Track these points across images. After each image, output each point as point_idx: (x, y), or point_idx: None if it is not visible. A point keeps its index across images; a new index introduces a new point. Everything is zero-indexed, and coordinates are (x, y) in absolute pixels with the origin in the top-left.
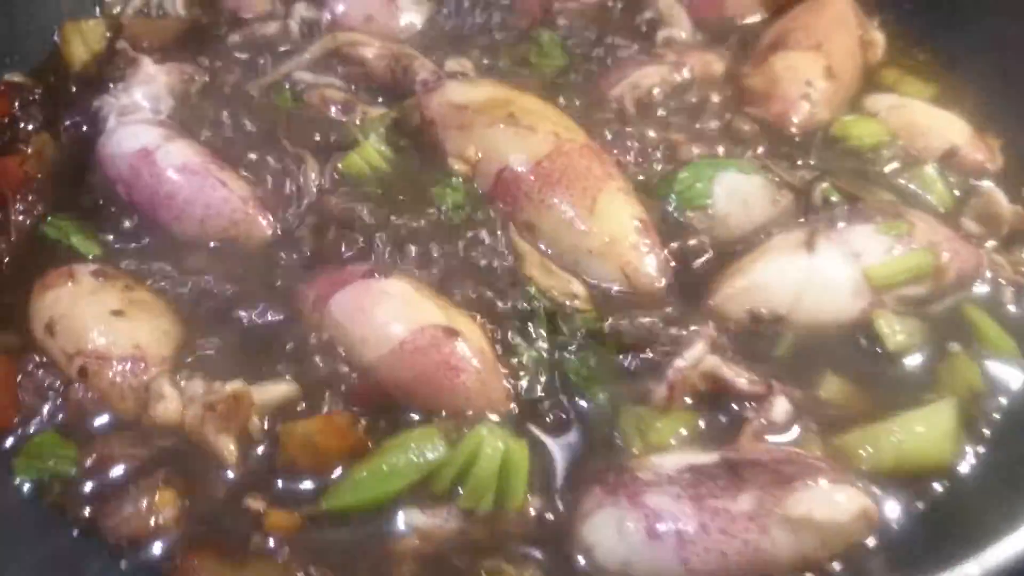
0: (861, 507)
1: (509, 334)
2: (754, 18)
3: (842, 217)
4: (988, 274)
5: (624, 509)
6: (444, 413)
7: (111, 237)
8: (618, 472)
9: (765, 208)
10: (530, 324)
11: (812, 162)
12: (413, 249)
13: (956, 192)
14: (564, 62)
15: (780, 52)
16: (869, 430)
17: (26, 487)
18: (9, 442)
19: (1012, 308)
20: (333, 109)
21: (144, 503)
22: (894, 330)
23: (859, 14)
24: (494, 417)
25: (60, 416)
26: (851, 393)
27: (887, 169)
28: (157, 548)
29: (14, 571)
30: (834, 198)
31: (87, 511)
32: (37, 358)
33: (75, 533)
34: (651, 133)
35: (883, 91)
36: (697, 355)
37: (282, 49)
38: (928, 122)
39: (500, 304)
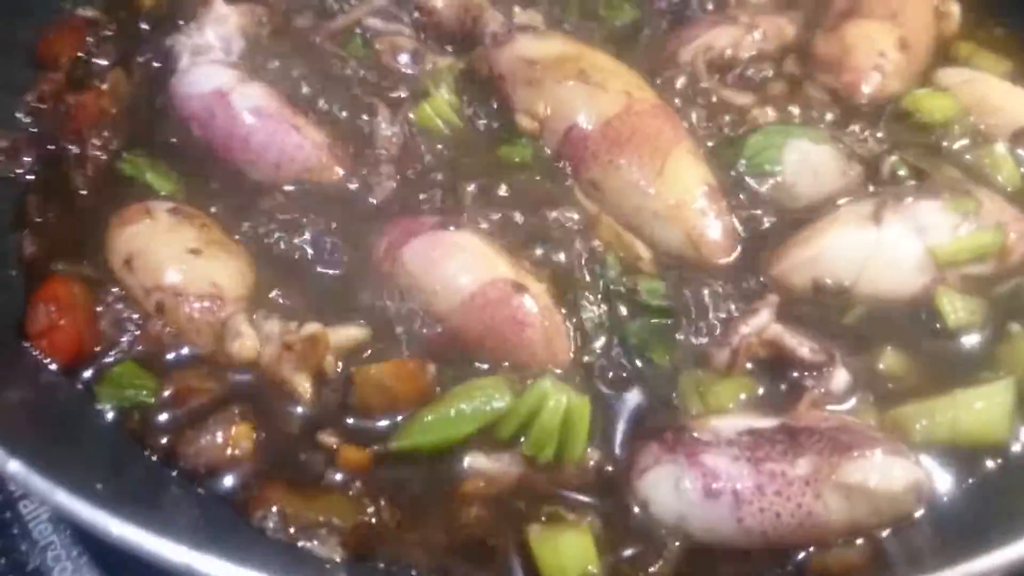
0: (914, 478)
1: (573, 293)
2: None
3: (910, 192)
4: None
5: (682, 467)
6: (508, 365)
7: (184, 175)
8: (676, 431)
9: (835, 179)
10: (594, 285)
11: (880, 135)
12: (482, 201)
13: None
14: (634, 16)
15: (854, 20)
16: (925, 404)
17: (108, 414)
18: (90, 371)
19: None
20: (402, 58)
21: (221, 435)
22: (955, 307)
23: None
24: (557, 372)
25: (138, 348)
26: (909, 367)
27: (956, 145)
28: (231, 479)
29: (98, 493)
30: (902, 172)
31: (165, 440)
32: (115, 291)
33: (153, 459)
34: (722, 96)
35: (956, 64)
36: (762, 323)
37: None
38: (1001, 99)
39: (564, 263)
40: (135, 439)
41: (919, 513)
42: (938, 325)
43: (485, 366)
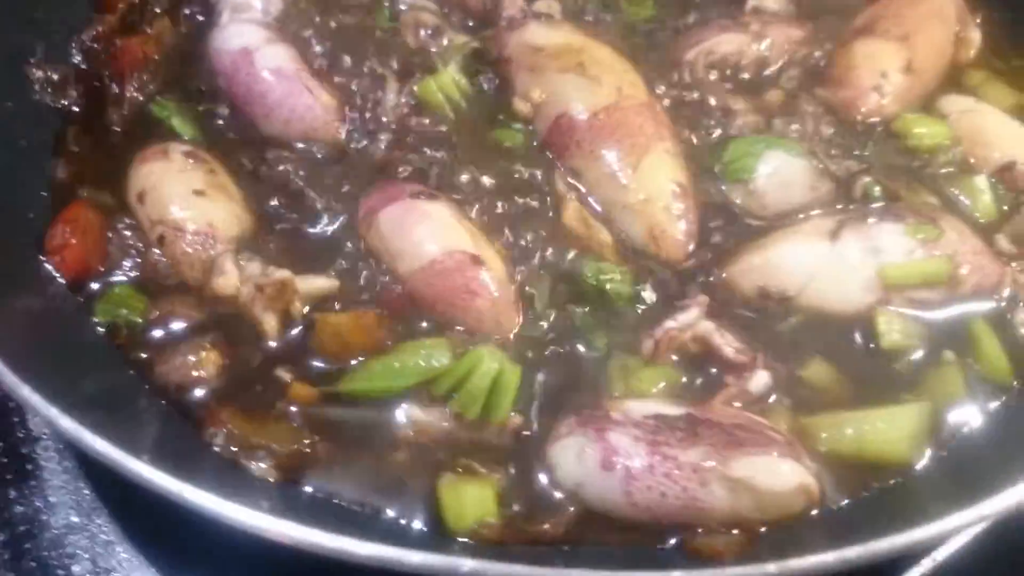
0: (801, 482)
1: (531, 272)
2: None
3: (875, 213)
4: (1007, 292)
5: (589, 439)
6: (458, 329)
7: (207, 122)
8: (593, 408)
9: (803, 193)
10: (552, 266)
11: (866, 153)
12: (465, 179)
13: (1005, 207)
14: (651, 13)
15: (864, 38)
16: (837, 416)
17: (100, 329)
18: (94, 287)
19: (1020, 330)
20: (423, 33)
21: (192, 357)
22: (891, 328)
23: (962, 8)
24: (499, 342)
25: (138, 273)
26: (833, 380)
27: (940, 172)
28: (195, 396)
29: (78, 392)
30: (875, 193)
31: (144, 355)
32: (127, 220)
33: (131, 372)
34: (714, 100)
35: (964, 92)
36: (688, 320)
37: None
38: (996, 133)
39: (531, 244)
40: (119, 352)
41: (812, 514)
42: (872, 344)
43: (435, 328)
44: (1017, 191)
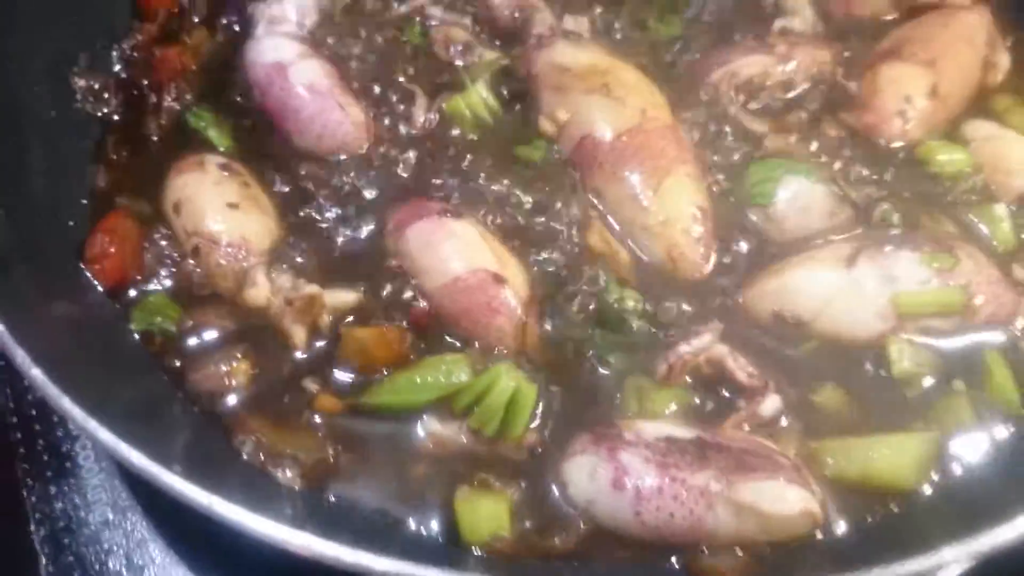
0: (806, 508)
1: (552, 291)
2: (885, 17)
3: (892, 241)
4: (1021, 323)
5: (601, 458)
6: (478, 346)
7: (242, 133)
8: (607, 427)
9: (822, 218)
10: (574, 289)
11: (887, 179)
12: (491, 196)
13: (1023, 237)
14: (679, 32)
15: (890, 62)
16: (845, 442)
17: (136, 337)
18: (131, 295)
19: None
20: (453, 50)
21: (223, 367)
22: (903, 357)
23: (992, 31)
24: (519, 360)
25: (173, 283)
26: (844, 405)
27: (961, 200)
28: (225, 404)
29: (115, 401)
30: (893, 220)
31: (178, 363)
32: (163, 230)
33: (165, 379)
34: (738, 123)
35: (990, 117)
36: (702, 345)
37: None
38: (1019, 160)
39: (553, 263)
40: (153, 360)
41: (817, 537)
42: (883, 372)
43: (458, 344)
44: None
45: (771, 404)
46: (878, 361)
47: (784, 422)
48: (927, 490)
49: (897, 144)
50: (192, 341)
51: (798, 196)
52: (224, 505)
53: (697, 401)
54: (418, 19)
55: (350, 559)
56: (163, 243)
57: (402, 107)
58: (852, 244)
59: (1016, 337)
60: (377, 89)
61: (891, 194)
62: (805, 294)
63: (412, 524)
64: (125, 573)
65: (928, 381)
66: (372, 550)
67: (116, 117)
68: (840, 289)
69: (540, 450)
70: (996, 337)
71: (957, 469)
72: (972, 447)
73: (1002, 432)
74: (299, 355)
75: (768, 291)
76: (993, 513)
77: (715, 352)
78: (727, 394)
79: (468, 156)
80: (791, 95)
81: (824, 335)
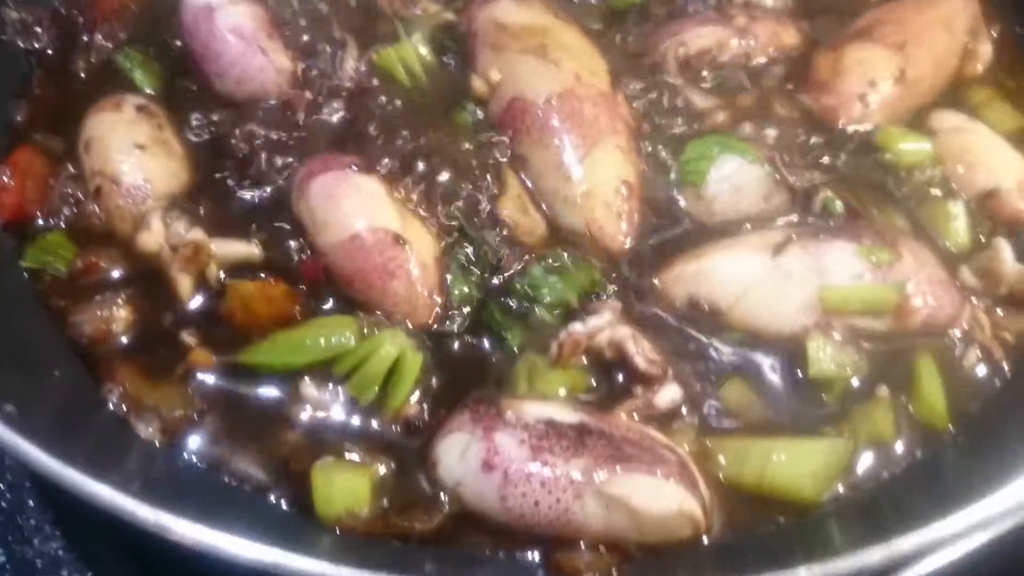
0: (683, 508)
1: (459, 256)
2: None
3: (829, 230)
4: (961, 330)
5: (476, 437)
6: (373, 311)
7: (169, 77)
8: (489, 405)
9: (755, 202)
10: (480, 253)
11: (837, 164)
12: (409, 153)
13: (981, 238)
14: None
15: (859, 42)
16: (743, 443)
17: (25, 273)
18: (29, 231)
19: (968, 373)
20: (397, 2)
21: (105, 312)
22: (823, 356)
23: (976, 18)
24: (410, 326)
25: (73, 222)
26: (750, 403)
27: (915, 194)
28: (101, 350)
29: None
30: (836, 209)
31: (62, 303)
32: (71, 169)
33: (46, 319)
34: (682, 95)
35: (962, 110)
36: (597, 325)
37: None
38: (985, 156)
39: (463, 227)
40: (38, 298)
41: (703, 543)
42: (800, 372)
43: (348, 305)
44: (996, 221)
45: (667, 394)
46: (796, 359)
47: (682, 415)
48: (829, 504)
49: (853, 128)
50: (80, 282)
51: (731, 176)
52: (73, 475)
53: (593, 383)
54: None
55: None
56: (70, 182)
57: (334, 57)
58: (784, 231)
59: (953, 344)
60: (308, 37)
61: (839, 180)
62: (724, 280)
63: (271, 495)
64: None
65: (848, 385)
66: (203, 521)
67: (49, 52)
68: (762, 277)
69: (418, 424)
70: (931, 343)
71: (865, 483)
72: (886, 461)
73: (922, 447)
74: (184, 307)
75: (685, 274)
76: (895, 533)
77: (617, 334)
78: (624, 380)
79: (394, 113)
80: (746, 71)
81: (741, 325)
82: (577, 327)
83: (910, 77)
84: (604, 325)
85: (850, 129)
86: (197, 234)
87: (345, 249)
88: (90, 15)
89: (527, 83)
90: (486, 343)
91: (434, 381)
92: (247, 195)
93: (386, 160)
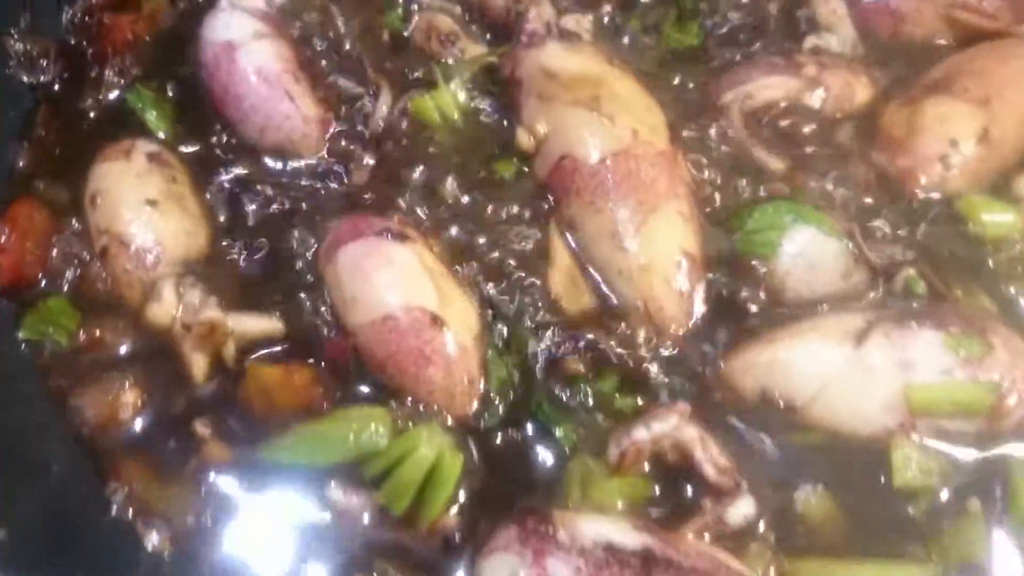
0: None
1: (500, 332)
2: (937, 42)
3: (914, 315)
4: None
5: (525, 562)
6: (405, 398)
7: (184, 118)
8: (539, 520)
9: (832, 280)
10: (523, 331)
11: (917, 235)
12: (444, 211)
13: None
14: (697, 42)
15: (937, 96)
16: (825, 567)
17: (23, 345)
18: (27, 295)
19: None
20: (434, 40)
21: (110, 394)
22: (909, 464)
23: None
24: (447, 418)
25: (76, 286)
26: (832, 517)
27: (1003, 270)
28: (106, 439)
29: None
30: (919, 290)
31: (63, 382)
32: (76, 224)
33: (46, 401)
34: (748, 153)
35: None
36: (662, 430)
37: None
38: None
39: (505, 305)
40: (37, 375)
41: None
42: (883, 478)
43: (379, 393)
44: None
45: (742, 509)
46: (880, 465)
47: (756, 530)
48: None
49: (934, 195)
50: (83, 358)
51: (805, 251)
52: None
53: (656, 491)
54: (401, 1)
55: None
56: (74, 240)
57: (364, 101)
58: (865, 315)
59: None
60: (340, 79)
61: (920, 256)
62: (800, 372)
63: None
64: None
65: (938, 497)
66: None
67: (56, 87)
68: (843, 371)
69: (457, 540)
70: None
71: None
72: None
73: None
74: (197, 389)
75: (757, 363)
76: None
77: (683, 436)
78: (691, 490)
79: (429, 163)
80: (815, 127)
81: (818, 424)
82: (641, 434)
83: (994, 136)
84: (670, 431)
85: (929, 195)
86: (213, 312)
87: (377, 330)
88: (99, 47)
89: (578, 139)
90: (530, 436)
91: (474, 484)
92: (267, 260)
93: (420, 219)
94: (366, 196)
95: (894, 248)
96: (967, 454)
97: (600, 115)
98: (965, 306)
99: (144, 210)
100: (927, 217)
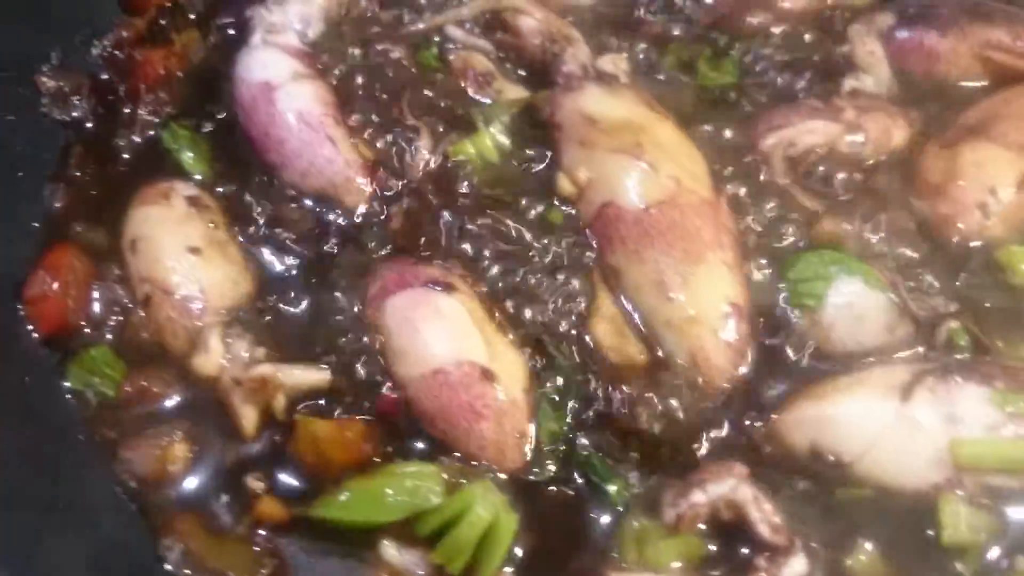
0: None
1: (548, 383)
2: (972, 83)
3: (958, 369)
4: None
5: None
6: (454, 453)
7: (221, 157)
8: None
9: (877, 333)
10: (571, 384)
11: (957, 284)
12: (491, 259)
13: None
14: (732, 80)
15: (975, 141)
16: None
17: (69, 396)
18: (70, 344)
19: None
20: (471, 79)
21: (160, 449)
22: (958, 521)
23: None
24: (501, 475)
25: (119, 334)
26: (881, 573)
27: None
28: (157, 493)
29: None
30: (962, 342)
31: (112, 435)
32: (117, 270)
33: (95, 453)
34: (791, 200)
35: None
36: (720, 492)
37: None
38: None
39: (554, 350)
40: (84, 427)
41: None
42: (932, 533)
43: (431, 447)
44: None
45: (796, 568)
46: (928, 521)
47: None
48: None
49: (974, 243)
50: (131, 410)
51: (852, 304)
52: None
53: (711, 549)
54: (436, 39)
55: None
56: (116, 286)
57: (403, 144)
58: (909, 369)
59: None
60: (377, 119)
61: (962, 307)
62: (849, 428)
63: None
64: None
65: (987, 554)
66: None
67: (88, 125)
68: (891, 426)
69: None
70: None
71: None
72: None
73: None
74: (247, 442)
75: (807, 419)
76: None
77: (737, 496)
78: (745, 548)
79: (471, 208)
80: (855, 173)
81: (867, 480)
82: (698, 497)
83: None
84: (727, 492)
85: (969, 243)
86: (264, 367)
87: (427, 384)
88: (132, 84)
89: (621, 187)
90: (583, 491)
91: (527, 541)
92: (312, 307)
93: (463, 265)
94: (407, 241)
95: (936, 300)
96: (1017, 512)
97: (643, 162)
98: (1007, 358)
99: (187, 258)
100: (967, 266)
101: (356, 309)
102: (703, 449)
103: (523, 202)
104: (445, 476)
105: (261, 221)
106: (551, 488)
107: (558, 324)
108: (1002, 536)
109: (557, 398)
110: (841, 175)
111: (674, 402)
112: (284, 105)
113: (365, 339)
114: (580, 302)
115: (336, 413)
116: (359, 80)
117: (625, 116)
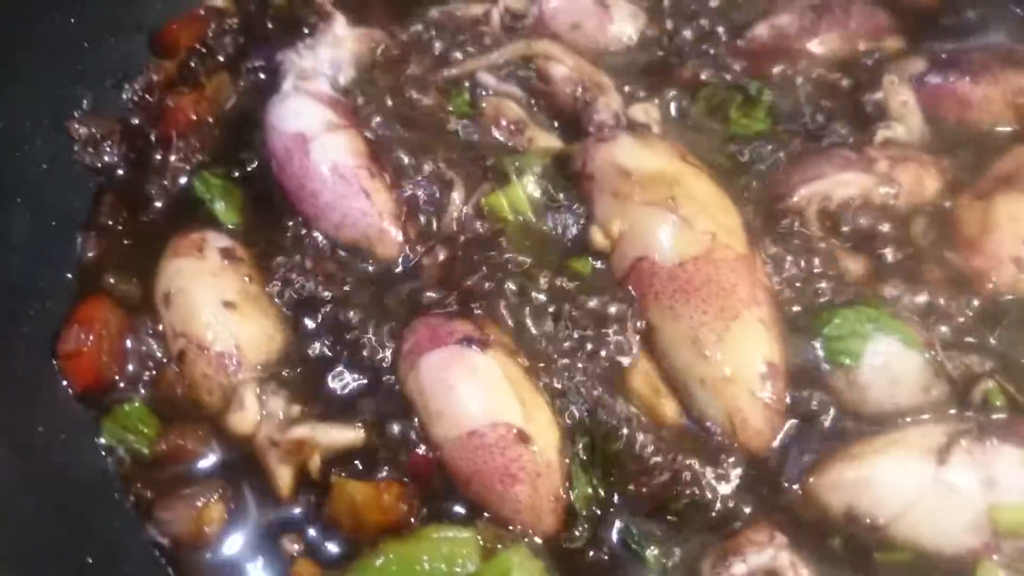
0: None
1: (580, 445)
2: (1003, 128)
3: (995, 430)
4: None
5: None
6: (489, 515)
7: (253, 204)
8: None
9: (913, 394)
10: (605, 444)
11: (992, 340)
12: (521, 310)
13: None
14: (764, 127)
15: (1009, 191)
16: None
17: (103, 452)
18: (104, 400)
19: None
20: (503, 126)
21: (195, 509)
22: None
23: None
24: (536, 541)
25: (153, 390)
26: None
27: None
28: (190, 557)
29: (63, 519)
30: (998, 402)
31: (147, 493)
32: (151, 325)
33: (126, 513)
34: (827, 255)
35: None
36: (760, 563)
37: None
38: None
39: (588, 410)
40: (119, 485)
41: None
42: None
43: (465, 510)
44: None
45: None
46: None
47: None
48: None
49: (1008, 297)
50: (165, 468)
51: (889, 363)
52: None
53: None
54: (467, 85)
55: None
56: (150, 340)
57: (436, 196)
58: (945, 429)
59: None
60: (410, 172)
61: (997, 364)
62: (885, 491)
63: None
64: None
65: None
66: None
67: (119, 171)
68: (927, 489)
69: None
70: None
71: None
72: None
73: None
74: (283, 502)
75: (842, 481)
76: None
77: (775, 563)
78: None
79: (504, 262)
80: (888, 223)
81: (903, 544)
82: (739, 569)
83: None
84: (767, 563)
85: (1003, 297)
86: (301, 428)
87: (463, 446)
88: (163, 130)
89: (655, 241)
90: (619, 556)
91: None
92: (346, 363)
93: (495, 318)
94: (440, 294)
95: (971, 358)
96: None
97: (677, 216)
98: None
99: (222, 313)
100: (1002, 322)
101: (388, 362)
102: (740, 512)
103: (556, 254)
104: (481, 541)
105: (295, 274)
106: (588, 552)
107: (593, 381)
108: None
109: (592, 459)
110: (875, 228)
111: (711, 465)
112: (318, 157)
113: (398, 397)
114: (616, 358)
115: (372, 474)
116: (392, 129)
117: (659, 168)
